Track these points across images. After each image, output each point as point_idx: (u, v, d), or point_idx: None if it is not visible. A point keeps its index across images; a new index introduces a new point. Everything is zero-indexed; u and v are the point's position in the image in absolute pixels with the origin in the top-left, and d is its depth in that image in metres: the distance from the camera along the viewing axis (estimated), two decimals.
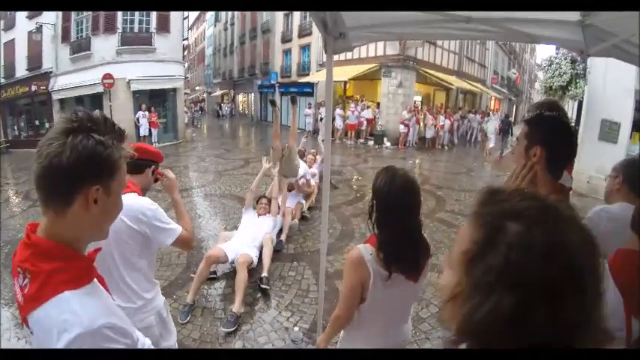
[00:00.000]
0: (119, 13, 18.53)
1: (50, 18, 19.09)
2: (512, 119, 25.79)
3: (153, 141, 18.91)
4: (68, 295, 0.99)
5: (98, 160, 1.01)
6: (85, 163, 0.99)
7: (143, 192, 2.34)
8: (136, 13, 19.12)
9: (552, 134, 1.63)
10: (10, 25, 20.94)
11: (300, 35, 25.50)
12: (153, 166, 2.41)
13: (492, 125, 18.42)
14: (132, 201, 2.10)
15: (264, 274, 4.75)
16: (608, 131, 9.81)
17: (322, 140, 19.26)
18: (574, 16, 2.47)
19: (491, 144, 17.96)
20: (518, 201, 0.66)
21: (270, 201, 5.90)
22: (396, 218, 1.76)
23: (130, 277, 2.18)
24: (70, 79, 18.88)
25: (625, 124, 9.55)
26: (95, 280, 1.11)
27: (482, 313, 0.61)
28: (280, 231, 6.08)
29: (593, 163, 9.28)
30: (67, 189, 1.00)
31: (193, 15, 54.03)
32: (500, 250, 0.61)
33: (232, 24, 39.01)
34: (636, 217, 1.59)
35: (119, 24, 18.68)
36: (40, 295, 0.98)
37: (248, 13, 33.60)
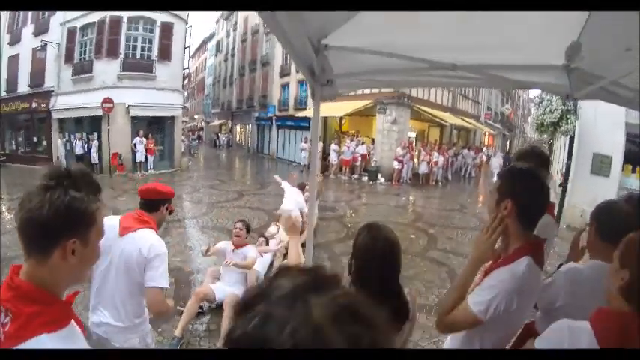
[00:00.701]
0: (122, 38, 18.95)
1: (55, 37, 19.48)
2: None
3: (148, 168, 18.99)
4: (45, 338, 1.05)
5: (75, 215, 1.09)
6: (63, 218, 1.07)
7: (159, 225, 2.70)
8: (139, 40, 19.55)
9: (522, 188, 1.66)
10: (15, 40, 21.35)
11: (299, 70, 25.85)
12: (167, 204, 2.75)
13: (497, 162, 19.43)
14: (150, 235, 2.52)
15: None
16: (600, 165, 9.97)
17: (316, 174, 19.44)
18: (559, 60, 2.52)
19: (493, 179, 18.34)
20: (288, 280, 0.56)
21: (247, 226, 5.29)
22: (373, 281, 1.72)
23: (128, 299, 2.47)
24: (71, 100, 19.08)
25: (616, 157, 9.68)
26: (72, 321, 1.18)
27: None
28: (270, 267, 6.04)
29: (586, 197, 9.33)
30: (46, 241, 1.08)
31: (195, 44, 55.11)
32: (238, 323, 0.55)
33: (233, 55, 39.76)
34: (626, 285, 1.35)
35: (122, 49, 19.02)
36: (19, 334, 1.03)
37: (248, 46, 34.32)
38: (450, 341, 1.96)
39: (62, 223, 1.07)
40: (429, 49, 2.47)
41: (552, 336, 1.44)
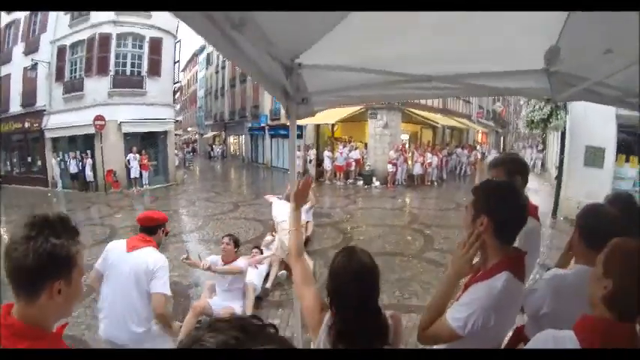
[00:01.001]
0: (112, 55, 19.00)
1: (45, 56, 19.61)
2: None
3: (143, 183, 18.96)
4: None
5: (57, 260, 1.20)
6: (46, 265, 1.18)
7: (158, 245, 3.24)
8: (129, 56, 19.61)
9: (497, 203, 1.63)
10: (6, 60, 21.29)
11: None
12: (162, 228, 3.31)
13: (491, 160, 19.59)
14: (154, 253, 3.10)
15: None
16: (593, 157, 10.08)
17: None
18: (538, 64, 2.51)
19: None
20: (214, 335, 0.61)
21: (235, 240, 5.20)
22: (347, 303, 1.65)
23: (142, 305, 3.00)
24: (63, 119, 19.15)
25: (609, 148, 9.76)
26: None
27: None
28: (266, 278, 6.07)
29: (582, 190, 9.50)
30: (33, 286, 1.19)
31: (185, 58, 55.19)
32: None
33: (223, 67, 39.77)
34: (609, 295, 1.32)
35: (112, 66, 19.06)
36: None
37: None
38: None
39: (46, 269, 1.18)
40: (404, 62, 2.50)
41: (538, 345, 1.44)
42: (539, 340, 1.42)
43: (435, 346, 1.94)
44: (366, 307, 1.66)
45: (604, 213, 2.01)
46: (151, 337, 3.06)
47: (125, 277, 2.98)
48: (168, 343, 3.23)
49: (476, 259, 1.73)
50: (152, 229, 3.23)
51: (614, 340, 1.28)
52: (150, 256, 3.04)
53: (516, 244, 1.75)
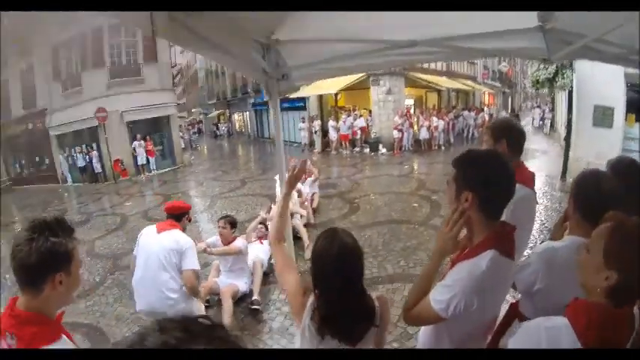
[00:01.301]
0: (106, 47, 18.92)
1: (40, 56, 19.49)
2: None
3: (151, 168, 19.12)
4: None
5: (56, 256, 1.38)
6: (48, 260, 1.36)
7: (183, 230, 3.74)
8: (123, 46, 19.45)
9: (481, 177, 1.52)
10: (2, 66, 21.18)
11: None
12: (186, 215, 3.86)
13: None
14: (182, 235, 3.64)
15: (255, 297, 4.86)
16: (602, 117, 9.69)
17: (317, 151, 19.36)
18: (532, 21, 2.36)
19: None
20: (158, 336, 0.60)
21: (230, 222, 5.13)
22: (330, 285, 1.64)
23: (173, 276, 3.51)
24: (65, 115, 19.20)
25: (618, 107, 9.35)
26: (63, 336, 1.48)
27: None
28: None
29: (592, 150, 9.23)
30: (37, 281, 1.38)
31: None
32: None
33: None
34: (612, 287, 1.23)
35: (107, 58, 18.99)
36: None
37: None
38: (421, 332, 1.92)
39: (48, 264, 1.36)
40: (386, 29, 2.39)
41: (528, 338, 1.32)
42: (531, 330, 1.32)
43: (421, 329, 1.91)
44: (349, 289, 1.65)
45: (601, 181, 1.83)
46: (183, 298, 3.58)
47: (156, 254, 3.47)
48: (196, 303, 3.87)
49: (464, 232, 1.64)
50: (178, 217, 3.76)
51: (612, 324, 1.21)
52: (180, 238, 3.57)
53: (504, 215, 1.64)
